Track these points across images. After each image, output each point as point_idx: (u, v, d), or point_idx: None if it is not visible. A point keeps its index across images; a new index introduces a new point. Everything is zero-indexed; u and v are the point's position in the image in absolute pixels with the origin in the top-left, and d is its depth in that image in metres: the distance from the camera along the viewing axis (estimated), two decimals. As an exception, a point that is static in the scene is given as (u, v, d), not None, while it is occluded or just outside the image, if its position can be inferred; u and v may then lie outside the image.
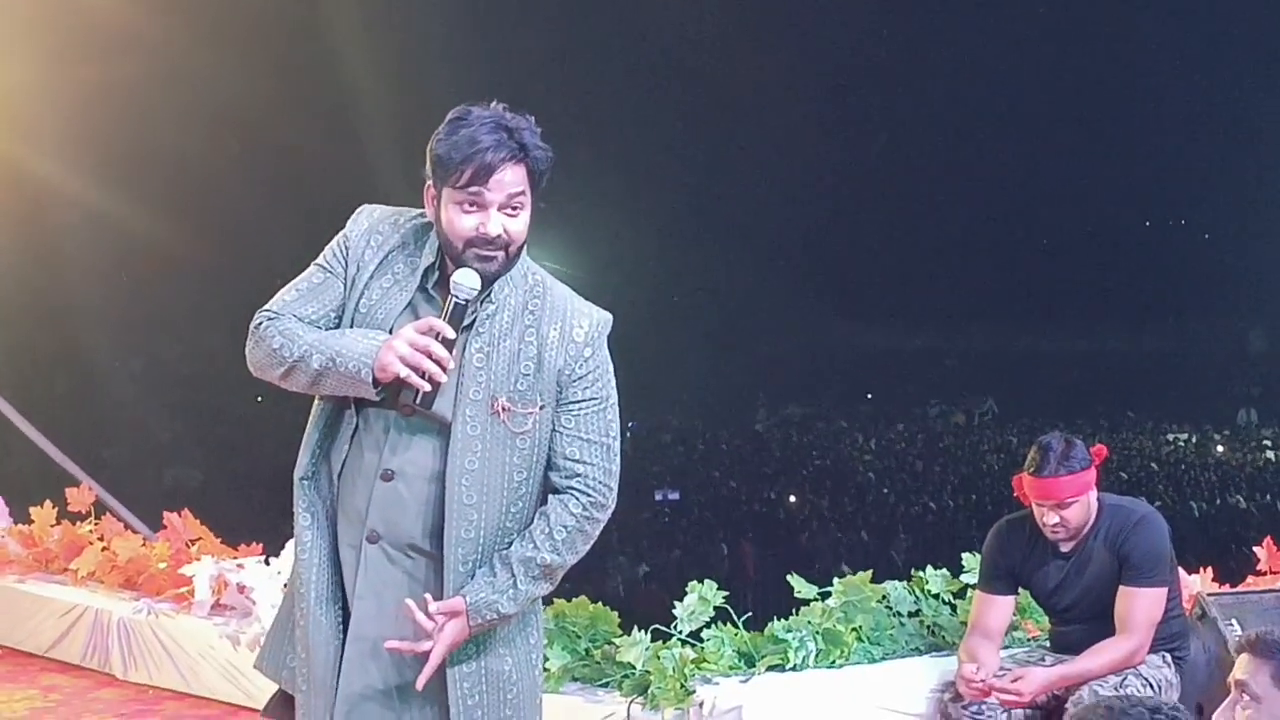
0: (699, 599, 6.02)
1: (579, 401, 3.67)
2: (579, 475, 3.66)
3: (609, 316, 3.76)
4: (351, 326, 3.63)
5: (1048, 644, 5.80)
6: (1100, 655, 5.30)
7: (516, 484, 3.64)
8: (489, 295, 3.60)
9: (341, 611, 3.70)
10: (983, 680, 5.22)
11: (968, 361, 52.10)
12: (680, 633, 5.95)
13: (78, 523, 8.03)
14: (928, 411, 48.17)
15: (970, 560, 6.32)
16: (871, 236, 53.84)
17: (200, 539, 7.56)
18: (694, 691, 5.70)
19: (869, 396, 47.48)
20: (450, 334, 3.48)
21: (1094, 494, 5.41)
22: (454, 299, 3.51)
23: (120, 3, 19.18)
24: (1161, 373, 48.78)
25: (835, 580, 6.24)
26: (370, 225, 3.73)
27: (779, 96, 51.34)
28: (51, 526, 8.02)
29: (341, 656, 3.67)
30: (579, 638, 6.07)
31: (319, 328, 3.64)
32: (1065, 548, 5.45)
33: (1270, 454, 38.53)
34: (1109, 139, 54.60)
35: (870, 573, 6.28)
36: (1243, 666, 3.39)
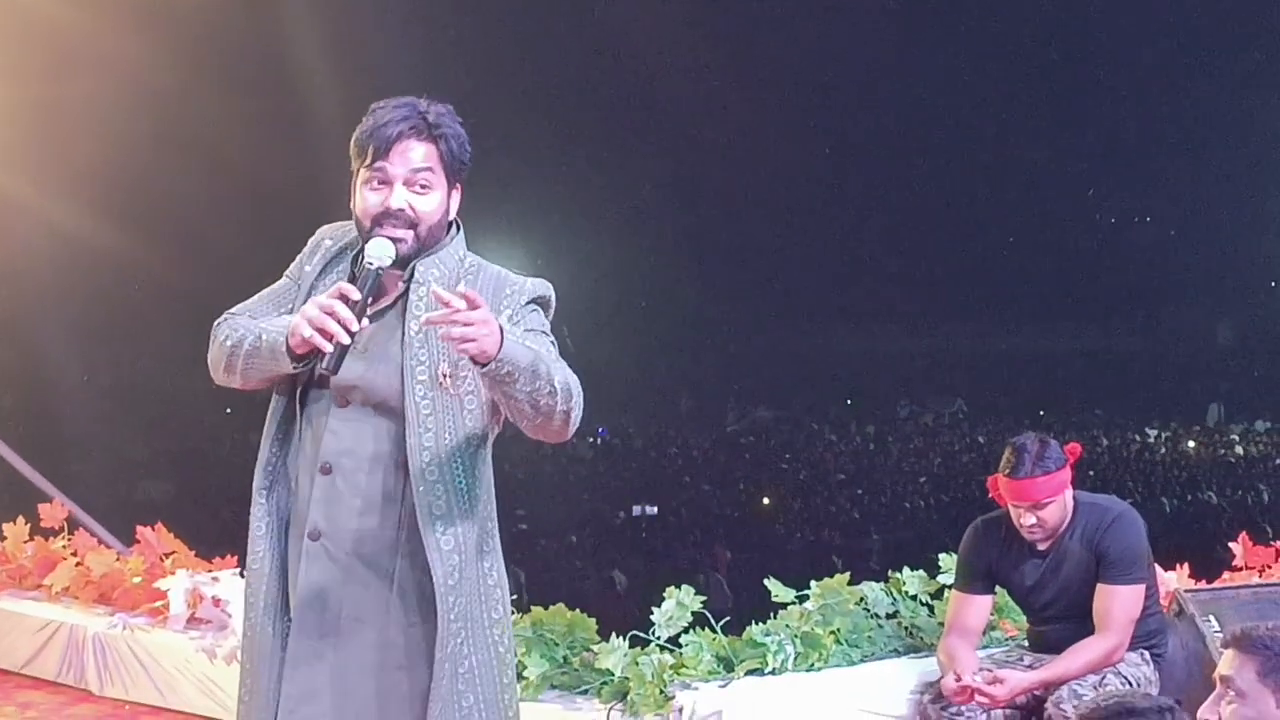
0: (677, 605, 6.00)
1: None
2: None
3: (545, 281, 3.76)
4: None
5: (1026, 643, 5.79)
6: (1079, 655, 5.30)
7: (475, 446, 3.66)
8: (413, 274, 3.64)
9: (287, 622, 3.69)
10: (963, 684, 5.23)
11: (936, 361, 52.22)
12: (658, 638, 5.94)
13: (50, 538, 7.99)
14: (897, 412, 48.26)
15: (946, 561, 6.32)
16: (837, 238, 54.00)
17: (174, 552, 7.52)
18: (673, 697, 5.68)
19: (849, 402, 47.49)
20: (355, 294, 3.47)
21: (1070, 493, 5.42)
22: (365, 264, 3.55)
23: (83, 20, 19.17)
24: (1130, 370, 48.98)
25: (812, 583, 6.24)
26: (318, 238, 3.84)
27: (744, 99, 51.44)
28: (24, 542, 7.99)
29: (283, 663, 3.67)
30: (557, 645, 6.04)
31: None
32: (1042, 546, 5.45)
33: (1240, 449, 38.71)
34: (1073, 137, 54.88)
35: (847, 575, 6.27)
36: (1228, 662, 3.40)
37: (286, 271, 3.84)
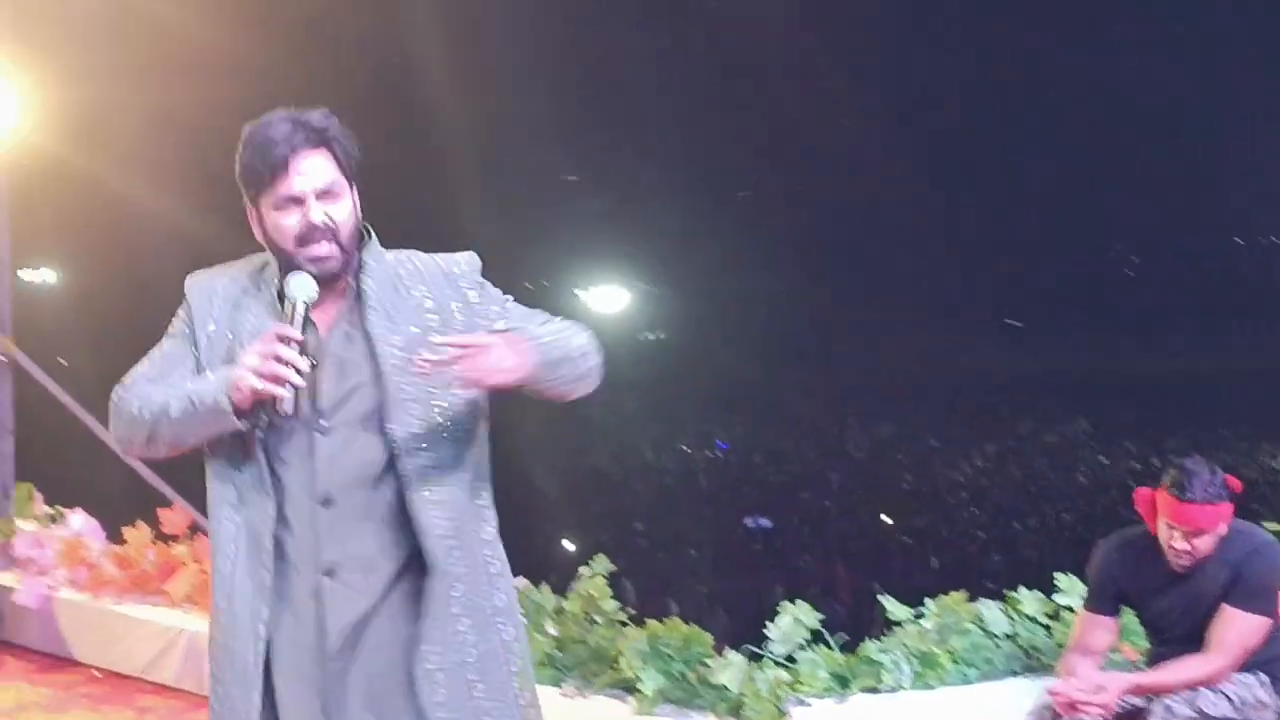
0: (793, 620, 5.97)
1: (504, 319, 3.62)
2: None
3: (471, 254, 3.71)
4: None
5: (1144, 667, 5.71)
6: (1180, 670, 5.22)
7: (467, 428, 3.59)
8: (365, 269, 3.56)
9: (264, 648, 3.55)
10: (1068, 693, 5.17)
11: (1059, 380, 51.65)
12: (773, 654, 5.91)
13: (171, 544, 8.05)
14: (1019, 431, 47.77)
15: (1065, 581, 6.24)
16: (961, 256, 53.60)
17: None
18: (787, 713, 5.67)
19: (971, 420, 47.05)
20: (295, 334, 3.37)
21: (1224, 525, 5.32)
22: (290, 301, 3.43)
23: (202, 23, 19.41)
24: (1256, 389, 48.23)
25: (928, 601, 6.19)
26: (207, 287, 3.68)
27: (860, 102, 51.19)
28: (146, 547, 8.05)
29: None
30: (672, 659, 6.00)
31: None
32: (1180, 568, 5.36)
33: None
34: (1201, 156, 54.21)
35: (965, 594, 6.22)
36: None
37: (169, 332, 3.69)
